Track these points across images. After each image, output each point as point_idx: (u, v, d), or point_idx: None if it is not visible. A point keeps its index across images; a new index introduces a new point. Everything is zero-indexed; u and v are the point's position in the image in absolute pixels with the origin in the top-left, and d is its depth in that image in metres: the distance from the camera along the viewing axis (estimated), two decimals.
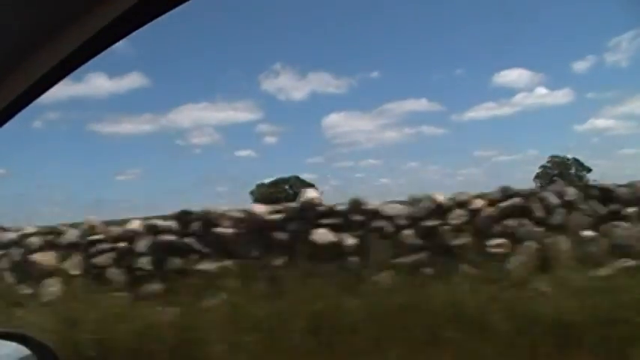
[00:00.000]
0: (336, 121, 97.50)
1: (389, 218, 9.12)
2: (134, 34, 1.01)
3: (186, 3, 0.94)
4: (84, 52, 1.00)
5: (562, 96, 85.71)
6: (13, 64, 0.96)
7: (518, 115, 79.15)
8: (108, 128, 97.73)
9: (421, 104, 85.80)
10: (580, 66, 79.46)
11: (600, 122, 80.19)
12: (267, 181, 63.52)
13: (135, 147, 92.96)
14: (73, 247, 9.44)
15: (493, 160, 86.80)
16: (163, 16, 0.96)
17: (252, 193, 63.51)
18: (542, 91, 78.14)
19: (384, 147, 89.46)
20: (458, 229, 8.84)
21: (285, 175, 62.36)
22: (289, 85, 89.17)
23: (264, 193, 61.28)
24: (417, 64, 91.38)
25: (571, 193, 9.31)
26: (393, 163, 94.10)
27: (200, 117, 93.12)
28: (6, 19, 0.91)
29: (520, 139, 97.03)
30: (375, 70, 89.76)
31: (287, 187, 61.72)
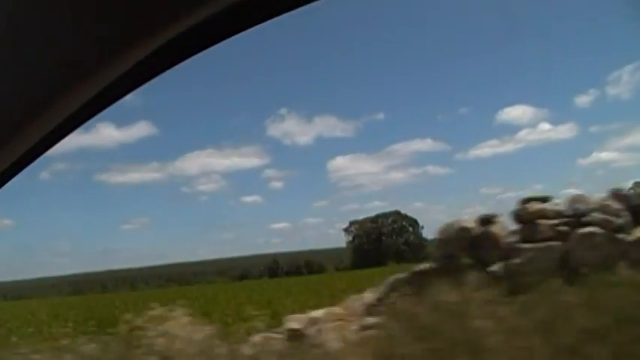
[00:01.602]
0: (341, 164, 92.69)
1: None
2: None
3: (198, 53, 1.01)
4: (92, 107, 1.05)
5: (565, 131, 78.33)
6: (25, 118, 0.99)
7: (522, 151, 72.19)
8: (115, 178, 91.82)
9: (426, 144, 78.98)
10: (582, 100, 74.40)
11: (604, 155, 72.68)
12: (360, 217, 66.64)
13: (141, 196, 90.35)
14: None
15: (498, 198, 79.15)
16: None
17: (347, 230, 66.87)
18: (545, 126, 71.49)
19: (389, 188, 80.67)
20: None
21: (384, 210, 65.75)
22: (295, 130, 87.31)
23: (367, 228, 64.38)
24: (422, 104, 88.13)
25: None
26: (398, 204, 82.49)
27: (206, 164, 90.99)
28: (17, 75, 0.95)
29: (525, 175, 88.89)
30: (380, 111, 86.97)
31: (390, 221, 64.81)
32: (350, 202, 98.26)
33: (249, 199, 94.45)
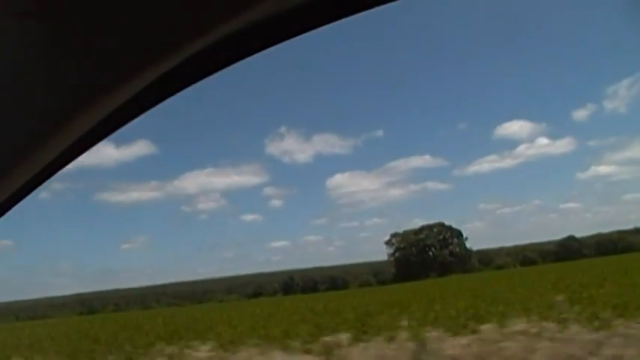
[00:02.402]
0: (340, 181, 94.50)
1: None
2: None
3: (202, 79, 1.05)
4: (95, 135, 1.08)
5: (564, 145, 79.16)
6: (27, 148, 1.01)
7: (520, 166, 72.71)
8: (114, 197, 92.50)
9: (425, 160, 79.91)
10: (580, 114, 75.96)
11: (602, 169, 75.84)
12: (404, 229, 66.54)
13: (141, 215, 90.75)
14: None
15: (497, 213, 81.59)
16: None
17: (388, 243, 66.47)
18: (543, 141, 73.34)
19: (388, 205, 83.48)
20: None
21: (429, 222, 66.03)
22: (294, 148, 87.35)
23: (411, 240, 64.53)
24: (421, 121, 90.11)
25: None
26: (398, 221, 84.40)
27: (206, 182, 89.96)
28: (19, 105, 0.96)
29: (523, 190, 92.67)
30: (379, 128, 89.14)
31: (435, 232, 63.91)
32: (349, 219, 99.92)
33: (248, 217, 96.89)
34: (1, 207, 1.17)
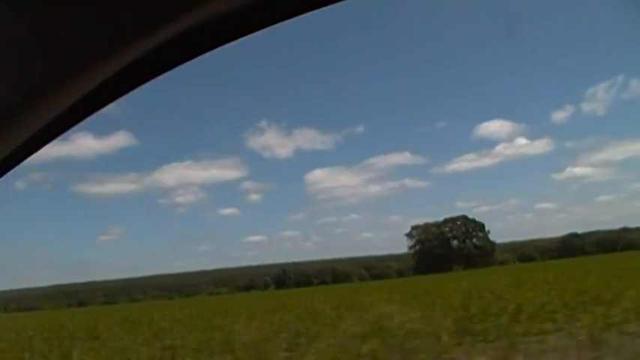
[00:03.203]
0: (320, 176, 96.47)
1: None
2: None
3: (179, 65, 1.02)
4: (72, 116, 1.04)
5: (542, 145, 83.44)
6: (4, 124, 0.98)
7: (498, 165, 76.12)
8: (92, 188, 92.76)
9: (404, 157, 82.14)
10: (559, 116, 78.03)
11: (578, 170, 77.82)
12: (427, 221, 67.66)
13: (118, 207, 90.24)
14: None
15: (474, 211, 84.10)
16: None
17: (409, 235, 66.79)
18: (522, 141, 76.42)
19: (367, 201, 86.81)
20: None
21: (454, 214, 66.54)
22: (275, 143, 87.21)
23: (434, 232, 64.53)
24: (402, 118, 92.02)
25: None
26: (375, 218, 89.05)
27: (185, 175, 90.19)
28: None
29: (501, 189, 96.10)
30: (360, 124, 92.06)
31: (459, 223, 64.33)
32: (327, 214, 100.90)
33: (226, 211, 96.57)
34: None
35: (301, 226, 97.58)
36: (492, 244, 64.04)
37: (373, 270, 67.80)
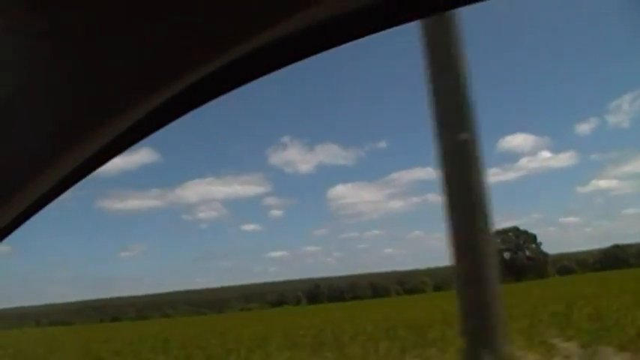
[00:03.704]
0: (342, 192, 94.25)
1: None
2: None
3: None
4: (96, 161, 1.10)
5: (566, 159, 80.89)
6: (29, 173, 1.02)
7: (522, 179, 74.57)
8: (116, 204, 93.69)
9: (427, 172, 79.99)
10: (583, 128, 77.38)
11: (603, 183, 76.66)
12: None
13: (141, 223, 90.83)
14: None
15: (498, 226, 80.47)
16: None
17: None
18: (546, 154, 73.72)
19: (389, 217, 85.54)
20: None
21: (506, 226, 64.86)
22: (297, 158, 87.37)
23: None
24: (425, 132, 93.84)
25: None
26: (397, 233, 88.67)
27: (207, 191, 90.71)
28: (20, 130, 0.98)
29: (524, 203, 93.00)
30: (383, 139, 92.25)
31: (510, 235, 63.91)
32: (349, 230, 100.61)
33: (248, 227, 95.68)
34: (13, 222, 1.15)
35: (323, 241, 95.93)
36: (545, 255, 63.17)
37: (406, 285, 66.86)
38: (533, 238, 64.68)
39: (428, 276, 68.24)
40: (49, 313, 66.35)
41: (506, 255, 64.45)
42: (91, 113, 0.94)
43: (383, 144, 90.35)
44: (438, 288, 63.32)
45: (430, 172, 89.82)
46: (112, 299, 77.75)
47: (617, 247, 60.87)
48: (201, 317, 56.31)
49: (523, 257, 63.49)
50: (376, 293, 64.23)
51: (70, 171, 1.06)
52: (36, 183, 1.04)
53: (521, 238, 64.57)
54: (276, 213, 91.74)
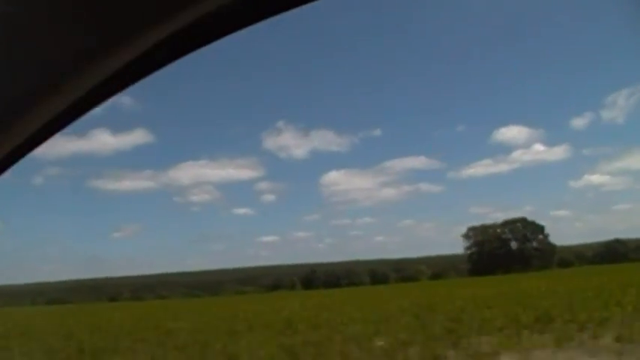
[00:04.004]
0: (335, 178, 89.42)
1: None
2: (140, 90, 1.20)
3: (192, 60, 1.06)
4: (84, 104, 1.07)
5: (559, 152, 77.62)
6: (15, 114, 1.01)
7: (515, 171, 72.87)
8: (108, 185, 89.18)
9: (420, 161, 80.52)
10: (578, 122, 75.80)
11: (595, 178, 76.40)
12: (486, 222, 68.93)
13: (133, 204, 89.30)
14: None
15: (488, 217, 75.13)
16: (169, 73, 1.06)
17: (465, 235, 67.06)
18: (539, 147, 72.58)
19: (381, 204, 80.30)
20: None
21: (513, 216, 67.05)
22: (291, 143, 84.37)
23: (490, 233, 63.36)
24: (420, 121, 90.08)
25: None
26: (389, 221, 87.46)
27: (200, 174, 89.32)
28: (7, 70, 0.97)
29: (516, 196, 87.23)
30: (377, 127, 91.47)
31: (518, 225, 64.49)
32: (341, 216, 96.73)
33: (240, 211, 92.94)
34: (9, 156, 1.12)
35: (315, 227, 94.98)
36: (553, 246, 63.42)
37: (402, 272, 66.83)
38: (541, 229, 65.10)
39: (421, 264, 68.48)
40: (41, 291, 66.04)
41: (514, 245, 65.36)
42: (73, 59, 0.91)
43: (377, 132, 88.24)
44: (435, 276, 63.40)
45: (423, 162, 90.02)
46: (105, 279, 77.53)
47: (617, 241, 61.02)
48: (197, 300, 56.01)
49: (531, 247, 63.85)
50: (375, 280, 64.19)
51: (51, 118, 1.02)
52: (17, 128, 1.01)
53: (529, 229, 64.99)
54: (269, 197, 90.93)
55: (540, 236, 64.92)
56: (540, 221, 69.37)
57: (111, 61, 0.92)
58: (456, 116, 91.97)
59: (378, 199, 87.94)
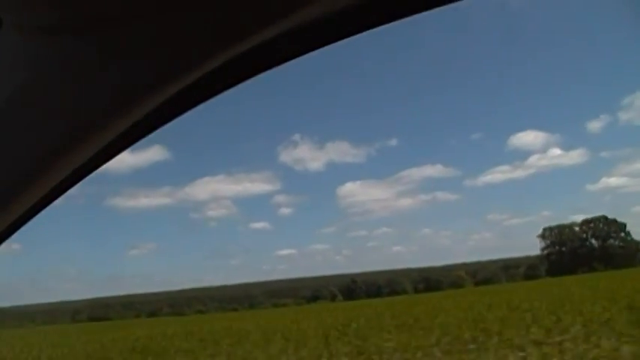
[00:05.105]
0: (351, 190, 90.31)
1: None
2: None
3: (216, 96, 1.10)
4: (110, 150, 1.10)
5: (576, 156, 78.83)
6: (33, 172, 1.01)
7: (532, 177, 73.75)
8: (125, 202, 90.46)
9: (437, 170, 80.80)
10: (594, 125, 76.51)
11: (613, 181, 77.15)
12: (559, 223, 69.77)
13: (150, 221, 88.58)
14: None
15: (505, 224, 78.49)
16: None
17: (542, 236, 66.80)
18: (556, 152, 74.57)
19: (398, 214, 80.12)
20: None
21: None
22: (307, 156, 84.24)
23: (567, 234, 63.01)
24: (436, 130, 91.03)
25: None
26: (406, 231, 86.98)
27: (217, 189, 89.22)
28: (24, 127, 0.97)
29: (533, 201, 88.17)
30: (393, 137, 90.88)
31: (599, 224, 64.32)
32: (358, 228, 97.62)
33: (257, 225, 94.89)
34: (22, 218, 1.14)
35: (332, 239, 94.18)
36: (637, 243, 62.66)
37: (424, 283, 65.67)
38: (623, 226, 64.78)
39: (460, 271, 67.67)
40: (64, 309, 63.68)
41: (596, 243, 64.76)
42: (94, 112, 0.94)
43: (394, 142, 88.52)
44: (484, 282, 62.26)
45: (440, 170, 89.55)
46: (122, 297, 74.94)
47: None
48: (236, 314, 54.32)
49: (616, 245, 63.39)
50: (417, 289, 62.96)
51: (72, 170, 1.05)
52: (39, 182, 1.03)
53: (611, 227, 64.64)
54: (286, 211, 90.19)
55: (622, 234, 64.58)
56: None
57: (139, 108, 0.93)
58: (471, 124, 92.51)
59: (395, 210, 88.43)
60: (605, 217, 65.55)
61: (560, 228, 67.73)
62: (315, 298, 65.25)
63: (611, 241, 64.42)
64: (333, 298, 65.26)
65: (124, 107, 0.93)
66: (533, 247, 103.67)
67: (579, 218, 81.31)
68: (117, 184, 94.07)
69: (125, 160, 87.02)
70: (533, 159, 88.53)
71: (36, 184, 1.02)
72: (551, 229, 68.45)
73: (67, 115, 0.94)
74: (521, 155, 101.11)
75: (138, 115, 0.96)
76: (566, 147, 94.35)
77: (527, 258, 69.36)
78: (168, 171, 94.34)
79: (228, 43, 0.86)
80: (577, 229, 66.81)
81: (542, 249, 67.97)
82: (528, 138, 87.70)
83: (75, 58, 0.87)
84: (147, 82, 0.90)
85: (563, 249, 65.78)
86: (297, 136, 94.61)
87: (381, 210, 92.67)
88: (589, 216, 70.19)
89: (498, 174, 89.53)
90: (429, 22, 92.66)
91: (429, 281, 64.62)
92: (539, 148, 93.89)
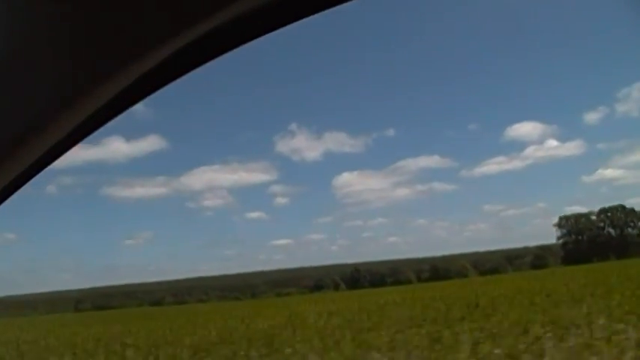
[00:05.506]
0: (348, 180, 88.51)
1: None
2: (153, 96, 1.10)
3: (204, 65, 1.09)
4: (99, 117, 1.09)
5: (573, 147, 77.68)
6: (32, 129, 1.02)
7: (528, 168, 71.42)
8: (121, 192, 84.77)
9: (433, 160, 79.81)
10: (591, 117, 75.50)
11: (609, 172, 75.33)
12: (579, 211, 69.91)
13: (146, 210, 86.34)
14: None
15: (501, 215, 76.15)
16: (180, 79, 1.10)
17: (558, 225, 66.41)
18: (553, 143, 71.30)
19: (394, 205, 78.14)
20: None
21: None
22: (304, 146, 79.65)
23: (583, 222, 63.96)
24: (433, 120, 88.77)
25: None
26: (402, 221, 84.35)
27: (213, 179, 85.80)
28: (19, 89, 0.99)
29: (529, 192, 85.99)
30: (391, 127, 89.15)
31: (618, 214, 64.05)
32: (354, 218, 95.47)
33: (253, 215, 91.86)
34: (14, 182, 1.15)
35: (327, 229, 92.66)
36: None
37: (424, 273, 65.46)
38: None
39: (462, 260, 67.39)
40: (62, 299, 62.89)
41: (613, 232, 64.60)
42: (82, 77, 0.94)
43: (391, 132, 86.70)
44: (489, 271, 61.99)
45: (437, 161, 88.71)
46: (118, 286, 74.36)
47: None
48: (239, 302, 53.79)
49: (634, 234, 63.34)
50: (421, 278, 62.66)
51: (68, 132, 1.05)
52: (35, 143, 1.03)
53: (628, 216, 64.45)
54: (282, 201, 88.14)
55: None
56: (554, 217, 69.85)
57: (124, 75, 0.94)
58: (468, 114, 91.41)
59: (391, 200, 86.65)
60: (622, 206, 65.38)
61: (577, 217, 67.68)
62: (318, 287, 64.73)
63: (629, 230, 64.34)
64: (337, 288, 64.79)
65: (112, 73, 0.92)
66: (530, 237, 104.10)
67: (575, 210, 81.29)
68: (113, 173, 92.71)
69: (121, 149, 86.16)
70: (529, 150, 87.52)
71: (30, 144, 1.00)
72: (567, 217, 68.30)
73: (54, 81, 0.93)
74: (518, 146, 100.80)
75: (125, 82, 0.94)
76: (563, 138, 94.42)
77: (526, 249, 68.73)
78: (164, 160, 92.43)
79: (211, 11, 0.86)
80: (594, 217, 66.80)
81: (558, 238, 67.85)
82: (525, 129, 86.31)
83: (62, 23, 0.87)
84: (134, 49, 0.89)
85: (580, 238, 65.73)
86: (294, 126, 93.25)
87: (377, 200, 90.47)
88: (583, 208, 70.69)
89: (495, 165, 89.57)
90: (427, 13, 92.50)
91: (437, 270, 64.16)
92: (535, 140, 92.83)
